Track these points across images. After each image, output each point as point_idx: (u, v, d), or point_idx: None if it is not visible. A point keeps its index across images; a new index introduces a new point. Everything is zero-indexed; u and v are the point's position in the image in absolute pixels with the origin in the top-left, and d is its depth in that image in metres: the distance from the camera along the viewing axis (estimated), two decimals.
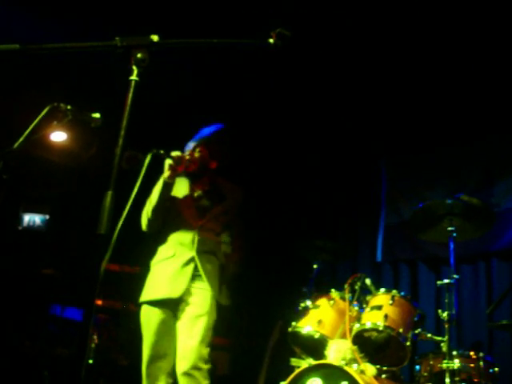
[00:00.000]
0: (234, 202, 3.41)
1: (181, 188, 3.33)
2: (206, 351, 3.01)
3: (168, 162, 3.13)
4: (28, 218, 5.21)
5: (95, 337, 4.45)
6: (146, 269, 3.22)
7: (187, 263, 3.12)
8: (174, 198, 3.28)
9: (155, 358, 3.08)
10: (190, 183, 3.37)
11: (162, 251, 3.22)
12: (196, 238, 3.17)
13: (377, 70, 4.65)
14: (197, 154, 3.22)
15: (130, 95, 1.73)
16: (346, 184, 5.52)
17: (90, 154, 4.53)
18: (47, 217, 5.20)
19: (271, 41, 1.91)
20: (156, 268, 3.21)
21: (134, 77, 1.75)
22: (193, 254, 3.14)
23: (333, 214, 5.50)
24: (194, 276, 3.12)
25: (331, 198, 5.52)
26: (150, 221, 3.20)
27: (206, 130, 3.42)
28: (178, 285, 3.08)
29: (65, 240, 5.23)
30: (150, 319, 3.12)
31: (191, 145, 3.34)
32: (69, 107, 2.89)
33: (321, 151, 5.44)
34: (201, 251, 3.16)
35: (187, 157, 3.15)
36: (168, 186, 3.16)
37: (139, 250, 3.21)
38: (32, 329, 4.72)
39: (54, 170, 5.03)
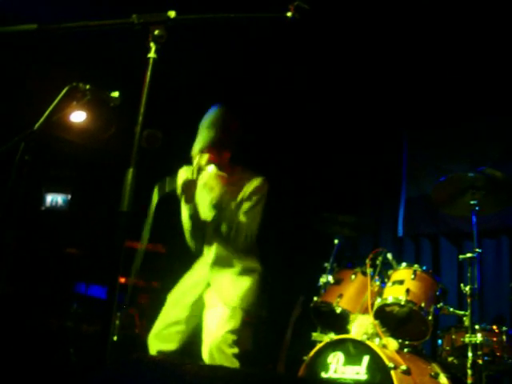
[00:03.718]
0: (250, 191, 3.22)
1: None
2: (229, 336, 3.02)
3: (179, 187, 3.11)
4: (50, 199, 5.27)
5: (118, 314, 4.52)
6: (169, 247, 3.26)
7: None
8: None
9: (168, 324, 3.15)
10: None
11: None
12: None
13: (400, 41, 4.56)
14: (203, 161, 3.12)
15: (149, 73, 1.73)
16: (367, 158, 5.48)
17: (109, 133, 4.54)
18: (69, 197, 5.26)
19: (289, 14, 1.89)
20: None
21: (152, 54, 1.75)
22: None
23: (354, 188, 5.47)
24: None
25: (352, 172, 5.49)
26: (193, 246, 3.24)
27: (203, 119, 3.28)
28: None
29: (87, 219, 5.28)
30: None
31: (196, 148, 3.20)
32: (88, 87, 2.90)
33: (342, 125, 5.39)
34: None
35: (194, 175, 3.07)
36: (192, 208, 3.15)
37: (162, 227, 3.22)
38: (58, 307, 4.81)
39: (74, 151, 5.06)
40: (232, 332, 3.01)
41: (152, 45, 1.75)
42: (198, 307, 3.16)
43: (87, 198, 5.37)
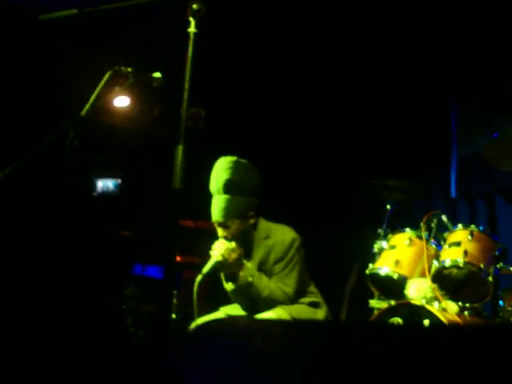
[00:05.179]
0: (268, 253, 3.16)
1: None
2: None
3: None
4: (101, 184, 5.38)
5: (175, 292, 4.60)
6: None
7: None
8: None
9: None
10: None
11: None
12: None
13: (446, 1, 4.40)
14: (232, 247, 3.05)
15: (190, 48, 1.72)
16: (414, 120, 5.35)
17: (153, 115, 4.57)
18: (119, 181, 5.35)
19: None
20: None
21: (192, 29, 1.73)
22: None
23: (402, 152, 5.36)
24: None
25: (401, 135, 5.37)
26: None
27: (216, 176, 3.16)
28: None
29: (138, 201, 5.37)
30: None
31: (215, 218, 3.14)
32: (130, 69, 2.91)
33: (389, 88, 5.26)
34: None
35: (226, 255, 3.04)
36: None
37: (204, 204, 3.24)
38: (116, 289, 4.93)
39: (119, 135, 5.13)
40: None
41: (191, 19, 1.73)
42: None
43: (137, 181, 5.45)
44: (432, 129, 5.28)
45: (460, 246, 3.34)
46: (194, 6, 1.74)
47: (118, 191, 5.36)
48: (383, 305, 3.52)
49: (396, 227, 3.87)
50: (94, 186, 5.40)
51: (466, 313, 3.36)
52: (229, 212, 3.07)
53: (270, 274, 3.13)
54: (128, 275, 5.01)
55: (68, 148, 2.68)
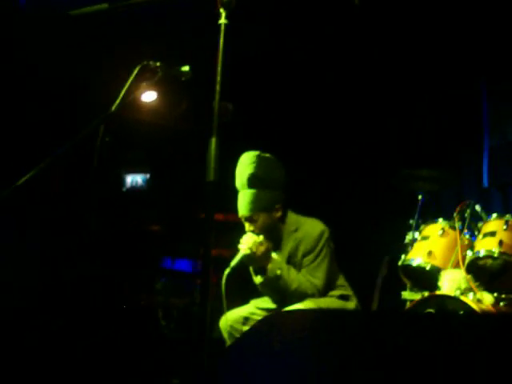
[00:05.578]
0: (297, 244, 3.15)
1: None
2: None
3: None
4: (130, 179, 5.42)
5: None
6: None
7: None
8: None
9: None
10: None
11: None
12: None
13: None
14: (259, 240, 3.06)
15: (222, 40, 1.71)
16: (446, 109, 5.26)
17: (181, 109, 4.58)
18: (148, 176, 5.39)
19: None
20: None
21: (222, 20, 1.72)
22: None
23: (433, 141, 5.28)
24: None
25: (432, 125, 5.28)
26: None
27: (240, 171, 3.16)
28: None
29: (167, 196, 5.40)
30: None
31: (242, 213, 3.15)
32: (158, 64, 2.91)
33: (421, 77, 5.16)
34: None
35: (254, 249, 3.03)
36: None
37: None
38: (146, 283, 4.98)
39: (148, 130, 5.16)
40: None
41: (222, 11, 1.72)
42: None
43: (165, 176, 5.49)
44: (464, 118, 5.19)
45: (495, 235, 3.27)
46: None
47: (147, 186, 5.40)
48: (416, 296, 3.48)
49: (427, 218, 3.81)
50: (123, 182, 5.45)
51: (501, 304, 3.30)
52: (255, 206, 3.08)
53: (299, 267, 3.12)
54: (158, 269, 5.06)
55: (99, 144, 2.70)
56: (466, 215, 3.48)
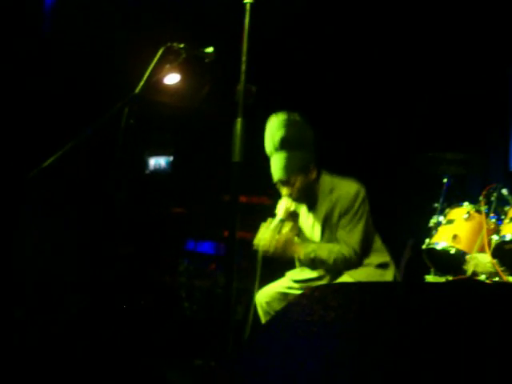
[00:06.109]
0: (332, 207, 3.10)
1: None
2: None
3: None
4: (154, 162, 5.45)
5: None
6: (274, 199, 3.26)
7: None
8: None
9: None
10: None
11: None
12: None
13: None
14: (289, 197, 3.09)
15: (247, 19, 1.69)
16: (472, 93, 5.17)
17: (205, 91, 4.57)
18: (171, 158, 5.41)
19: None
20: None
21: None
22: None
23: (460, 124, 5.20)
24: None
25: (458, 108, 5.21)
26: None
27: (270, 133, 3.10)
28: None
29: (190, 179, 5.42)
30: None
31: (277, 177, 3.10)
32: (182, 45, 2.91)
33: (448, 60, 5.07)
34: None
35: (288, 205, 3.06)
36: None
37: (267, 180, 3.22)
38: (170, 264, 5.02)
39: (170, 112, 5.16)
40: None
41: None
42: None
43: (188, 159, 5.50)
44: (490, 102, 5.10)
45: None
46: None
47: (171, 168, 5.42)
48: (440, 280, 3.45)
49: (452, 201, 3.77)
50: (146, 164, 5.48)
51: None
52: (290, 168, 3.02)
53: (335, 228, 3.09)
54: (181, 251, 5.10)
55: (123, 126, 2.71)
56: (493, 199, 3.42)
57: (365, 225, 3.07)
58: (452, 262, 3.47)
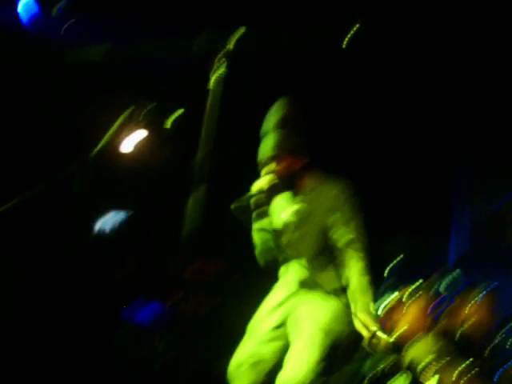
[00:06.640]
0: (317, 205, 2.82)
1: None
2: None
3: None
4: (105, 221, 5.29)
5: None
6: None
7: None
8: None
9: None
10: None
11: None
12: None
13: None
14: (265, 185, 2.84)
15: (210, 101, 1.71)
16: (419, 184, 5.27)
17: (167, 153, 4.48)
18: (124, 217, 5.27)
19: None
20: None
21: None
22: None
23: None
24: None
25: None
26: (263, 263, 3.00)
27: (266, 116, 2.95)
28: None
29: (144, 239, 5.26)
30: None
31: (262, 155, 2.90)
32: (150, 106, 2.92)
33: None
34: None
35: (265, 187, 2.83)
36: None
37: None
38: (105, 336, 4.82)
39: (129, 174, 5.02)
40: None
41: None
42: (279, 333, 2.80)
43: (147, 218, 5.34)
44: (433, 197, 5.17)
45: None
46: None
47: (123, 228, 5.28)
48: None
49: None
50: (93, 226, 5.32)
51: None
52: (281, 146, 2.81)
53: (317, 226, 2.80)
54: (118, 321, 4.88)
55: (75, 188, 2.68)
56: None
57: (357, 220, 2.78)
58: None
